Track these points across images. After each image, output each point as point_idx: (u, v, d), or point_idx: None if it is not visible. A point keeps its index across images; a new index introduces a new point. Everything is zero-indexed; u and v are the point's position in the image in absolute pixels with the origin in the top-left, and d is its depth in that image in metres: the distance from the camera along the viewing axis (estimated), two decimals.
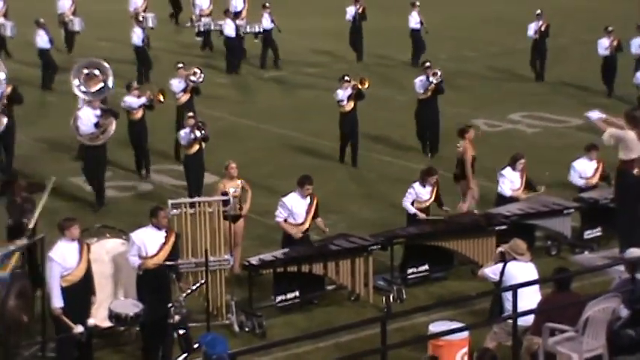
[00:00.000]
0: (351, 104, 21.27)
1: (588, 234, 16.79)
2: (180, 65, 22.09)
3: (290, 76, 30.34)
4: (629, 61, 26.77)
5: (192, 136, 18.13)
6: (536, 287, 12.14)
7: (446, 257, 15.56)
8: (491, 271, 12.61)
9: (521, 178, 16.75)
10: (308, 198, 14.96)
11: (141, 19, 31.04)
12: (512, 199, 16.59)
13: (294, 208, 14.93)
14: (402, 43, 30.89)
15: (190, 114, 18.83)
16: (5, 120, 20.00)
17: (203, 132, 18.16)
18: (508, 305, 11.76)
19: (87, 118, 18.99)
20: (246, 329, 13.90)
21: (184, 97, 21.49)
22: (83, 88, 19.51)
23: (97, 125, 18.85)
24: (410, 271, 15.42)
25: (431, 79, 21.93)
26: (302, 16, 37.08)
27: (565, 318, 10.97)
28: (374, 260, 14.83)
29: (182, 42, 33.92)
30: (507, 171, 16.75)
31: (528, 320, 11.55)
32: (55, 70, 28.32)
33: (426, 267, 15.45)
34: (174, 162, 20.89)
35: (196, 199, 14.85)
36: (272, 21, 30.75)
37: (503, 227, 15.48)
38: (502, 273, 12.37)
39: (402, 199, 16.14)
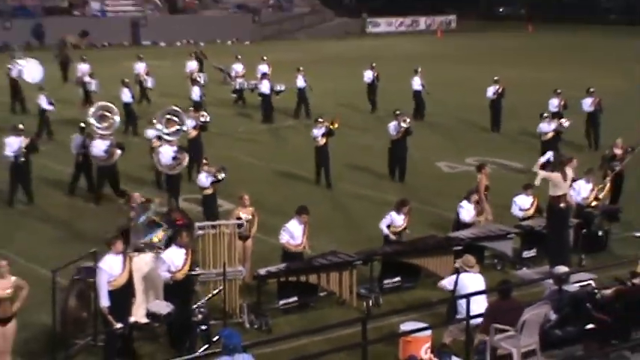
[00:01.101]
0: (324, 140, 21.61)
1: (526, 254, 16.68)
2: (191, 109, 23.27)
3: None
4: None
5: (212, 179, 17.81)
6: (484, 295, 12.11)
7: (414, 271, 15.38)
8: (447, 282, 12.59)
9: (475, 209, 16.70)
10: (303, 224, 14.91)
11: (197, 78, 31.47)
12: (468, 225, 16.53)
13: (294, 232, 14.89)
14: (407, 100, 30.70)
15: (205, 160, 18.38)
16: (119, 151, 20.65)
17: (223, 175, 17.87)
18: (461, 309, 11.75)
19: (167, 153, 19.18)
20: (255, 326, 13.79)
21: (193, 133, 22.08)
22: (165, 130, 19.59)
23: (174, 158, 19.13)
24: (386, 281, 15.30)
25: (402, 124, 22.08)
26: (329, 78, 37.17)
27: (507, 320, 10.89)
28: (357, 273, 14.68)
29: (219, 98, 33.99)
30: (464, 203, 16.73)
31: (477, 321, 11.50)
32: (136, 119, 28.12)
33: (399, 278, 15.32)
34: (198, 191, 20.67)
35: (217, 222, 14.64)
36: (305, 81, 30.85)
37: (460, 247, 15.31)
38: (456, 283, 12.31)
39: (377, 223, 15.99)
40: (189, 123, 21.57)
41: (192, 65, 35.05)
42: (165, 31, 56.68)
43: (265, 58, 34.20)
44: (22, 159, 20.30)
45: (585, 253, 16.66)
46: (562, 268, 12.99)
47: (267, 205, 18.86)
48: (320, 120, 21.92)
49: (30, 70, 30.73)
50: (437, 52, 53.00)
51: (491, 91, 28.49)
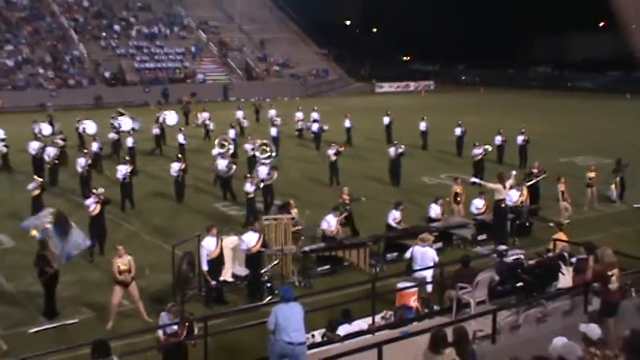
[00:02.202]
0: (335, 157, 21.88)
1: (480, 237, 16.47)
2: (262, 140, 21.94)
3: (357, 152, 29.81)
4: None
5: (255, 187, 17.42)
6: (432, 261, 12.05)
7: (406, 248, 15.24)
8: (407, 253, 12.53)
9: (440, 209, 16.53)
10: (337, 217, 14.85)
11: (241, 123, 31.47)
12: (435, 220, 16.32)
13: (330, 222, 14.80)
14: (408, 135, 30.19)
15: (248, 175, 17.96)
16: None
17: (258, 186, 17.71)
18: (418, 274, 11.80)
19: (262, 170, 19.03)
20: (303, 284, 13.70)
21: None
22: (261, 156, 20.30)
23: (268, 174, 18.96)
24: (388, 256, 15.17)
25: (398, 149, 22.33)
26: (366, 121, 36.27)
27: (467, 281, 10.78)
28: (369, 250, 14.57)
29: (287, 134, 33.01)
30: (433, 205, 16.59)
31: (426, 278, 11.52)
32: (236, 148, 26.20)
33: (396, 254, 15.13)
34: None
35: (278, 216, 14.38)
36: (350, 123, 30.82)
37: (436, 233, 15.25)
38: (411, 253, 12.31)
39: (384, 218, 15.81)
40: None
41: (239, 113, 33.21)
42: (245, 91, 56.35)
43: (316, 108, 33.73)
44: (127, 180, 19.25)
45: (517, 237, 16.48)
46: (502, 247, 12.88)
47: (313, 202, 18.72)
48: (333, 144, 22.26)
49: (171, 117, 30.91)
50: (422, 105, 52.64)
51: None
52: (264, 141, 21.23)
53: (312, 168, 25.54)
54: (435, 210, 16.43)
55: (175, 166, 20.26)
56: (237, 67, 61.48)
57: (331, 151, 22.11)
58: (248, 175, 18.02)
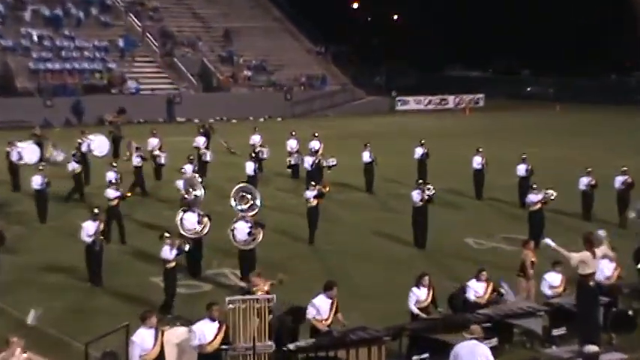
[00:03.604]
0: (315, 201, 23.07)
1: (555, 332, 16.39)
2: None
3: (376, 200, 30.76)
4: None
5: (176, 253, 17.72)
6: None
7: (439, 346, 14.88)
8: (450, 357, 12.28)
9: (485, 288, 16.52)
10: (331, 299, 14.77)
11: (258, 152, 32.60)
12: (477, 305, 16.29)
13: (321, 308, 14.72)
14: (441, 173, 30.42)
15: (167, 234, 18.02)
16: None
17: (188, 246, 18.11)
18: None
19: (241, 229, 19.36)
20: None
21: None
22: (239, 207, 20.02)
23: (249, 234, 19.24)
24: (415, 358, 15.04)
25: (425, 193, 22.73)
26: (355, 153, 35.88)
27: None
28: (386, 348, 14.49)
29: (273, 169, 34.39)
30: (472, 282, 16.56)
31: None
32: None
33: (426, 355, 15.03)
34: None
35: (247, 297, 14.44)
36: (370, 156, 31.31)
37: (488, 324, 15.15)
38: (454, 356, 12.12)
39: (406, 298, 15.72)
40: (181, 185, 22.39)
41: (199, 140, 35.03)
42: (200, 108, 57.00)
43: (317, 134, 34.01)
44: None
45: (614, 332, 16.37)
46: (592, 348, 12.71)
47: (301, 273, 18.73)
48: (312, 184, 23.55)
49: (100, 144, 32.48)
50: (468, 129, 53.24)
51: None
52: (243, 184, 21.40)
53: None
54: (476, 289, 16.48)
55: (90, 228, 19.79)
56: (188, 72, 61.96)
57: (310, 193, 23.23)
58: (167, 235, 17.92)
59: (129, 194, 25.41)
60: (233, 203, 20.26)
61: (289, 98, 62.97)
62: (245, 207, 20.10)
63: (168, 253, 17.47)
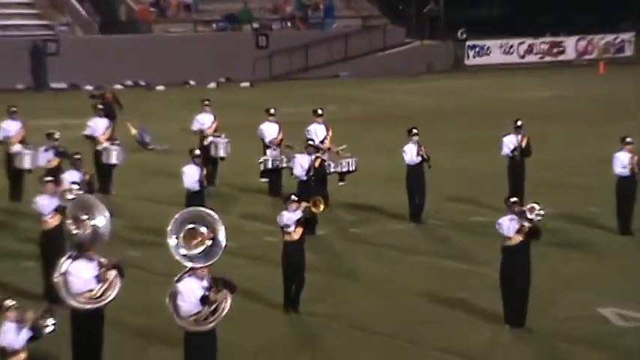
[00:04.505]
0: (299, 232, 18.37)
1: None
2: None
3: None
4: None
5: (27, 336, 13.54)
6: None
7: None
8: None
9: None
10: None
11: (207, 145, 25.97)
12: None
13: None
14: None
15: (8, 302, 13.84)
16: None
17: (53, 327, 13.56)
18: None
19: (190, 291, 14.78)
20: None
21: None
22: (184, 251, 15.16)
23: (204, 301, 14.93)
24: None
25: (529, 216, 16.81)
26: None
27: None
28: None
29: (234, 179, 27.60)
30: None
31: None
32: None
33: None
34: None
35: None
36: (419, 152, 24.60)
37: None
38: None
39: None
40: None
41: (96, 125, 25.72)
42: (94, 65, 41.07)
43: (320, 112, 25.26)
44: None
45: None
46: None
47: None
48: (293, 198, 18.93)
49: None
50: (598, 102, 38.09)
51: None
52: (189, 210, 16.46)
53: None
54: None
55: None
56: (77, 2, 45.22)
57: (289, 217, 18.71)
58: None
59: None
60: (172, 243, 15.31)
61: (264, 45, 45.35)
62: (195, 251, 15.23)
63: (12, 336, 13.72)
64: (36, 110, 31.19)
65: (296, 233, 18.20)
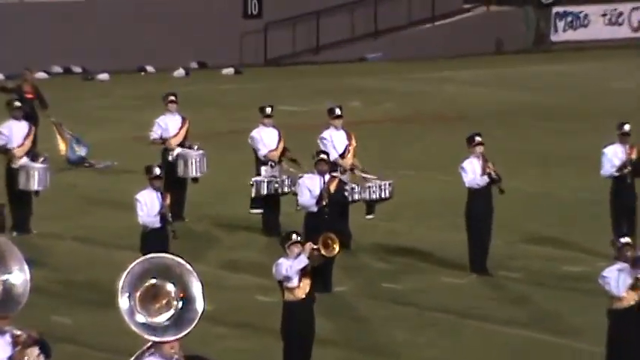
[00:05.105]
0: (306, 287, 16.09)
1: None
2: None
3: None
4: None
5: None
6: None
7: None
8: None
9: None
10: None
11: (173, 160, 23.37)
12: None
13: None
14: None
15: None
16: None
17: None
18: None
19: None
20: None
21: None
22: (146, 319, 12.28)
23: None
24: None
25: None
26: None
27: None
28: None
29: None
30: None
31: None
32: None
33: None
34: None
35: None
36: (484, 169, 22.26)
37: None
38: None
39: None
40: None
41: (12, 132, 22.48)
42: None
43: (339, 113, 22.25)
44: None
45: None
46: None
47: None
48: (294, 238, 16.23)
49: None
50: None
51: None
52: (154, 257, 12.65)
53: None
54: None
55: None
56: None
57: (289, 266, 16.45)
58: None
59: None
60: (124, 306, 12.42)
61: (255, 13, 40.29)
62: (160, 319, 12.31)
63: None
64: None
65: (301, 289, 15.82)
